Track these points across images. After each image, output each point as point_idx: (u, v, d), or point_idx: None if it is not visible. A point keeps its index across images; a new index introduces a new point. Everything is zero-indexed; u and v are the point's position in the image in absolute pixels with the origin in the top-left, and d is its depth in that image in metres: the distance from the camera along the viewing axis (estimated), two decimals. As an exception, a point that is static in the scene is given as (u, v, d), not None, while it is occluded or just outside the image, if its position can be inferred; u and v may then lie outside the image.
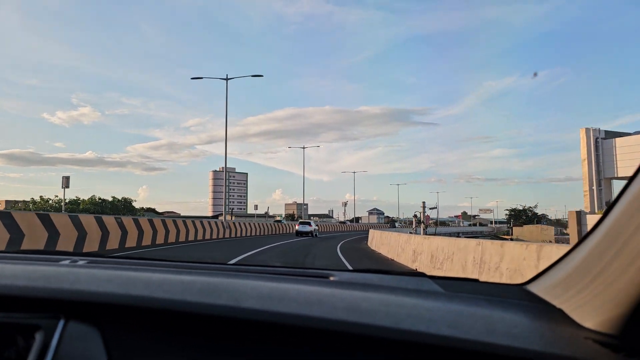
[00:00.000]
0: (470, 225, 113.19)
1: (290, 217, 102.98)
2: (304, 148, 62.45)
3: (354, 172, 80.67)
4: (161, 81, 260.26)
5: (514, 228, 65.46)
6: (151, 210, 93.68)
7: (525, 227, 64.07)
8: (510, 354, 0.73)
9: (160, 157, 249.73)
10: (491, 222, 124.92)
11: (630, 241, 0.75)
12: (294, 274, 1.28)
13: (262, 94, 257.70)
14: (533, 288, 1.09)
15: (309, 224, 37.38)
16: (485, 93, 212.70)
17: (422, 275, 1.28)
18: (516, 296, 1.07)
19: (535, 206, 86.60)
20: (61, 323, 0.80)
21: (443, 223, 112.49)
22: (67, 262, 1.23)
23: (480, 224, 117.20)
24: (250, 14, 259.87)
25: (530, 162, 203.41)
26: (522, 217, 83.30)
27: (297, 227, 37.52)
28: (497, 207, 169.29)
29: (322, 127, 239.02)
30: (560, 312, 0.93)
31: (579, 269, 0.90)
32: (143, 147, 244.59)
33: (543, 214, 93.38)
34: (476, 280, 1.28)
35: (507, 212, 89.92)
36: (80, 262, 1.22)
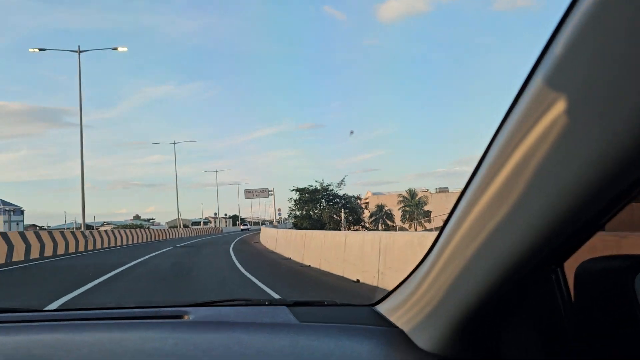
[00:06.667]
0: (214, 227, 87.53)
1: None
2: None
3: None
4: None
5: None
6: None
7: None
8: None
9: None
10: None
11: (455, 260, 0.71)
12: (144, 315, 1.16)
13: None
14: (382, 308, 1.07)
15: (247, 224, 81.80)
16: (143, 98, 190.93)
17: (281, 304, 1.24)
18: (365, 320, 1.06)
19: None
20: None
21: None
22: None
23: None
24: None
25: (186, 168, 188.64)
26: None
27: (241, 226, 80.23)
28: (156, 212, 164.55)
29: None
30: (401, 334, 0.90)
31: (417, 288, 0.86)
32: None
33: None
34: (335, 304, 1.26)
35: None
36: None
